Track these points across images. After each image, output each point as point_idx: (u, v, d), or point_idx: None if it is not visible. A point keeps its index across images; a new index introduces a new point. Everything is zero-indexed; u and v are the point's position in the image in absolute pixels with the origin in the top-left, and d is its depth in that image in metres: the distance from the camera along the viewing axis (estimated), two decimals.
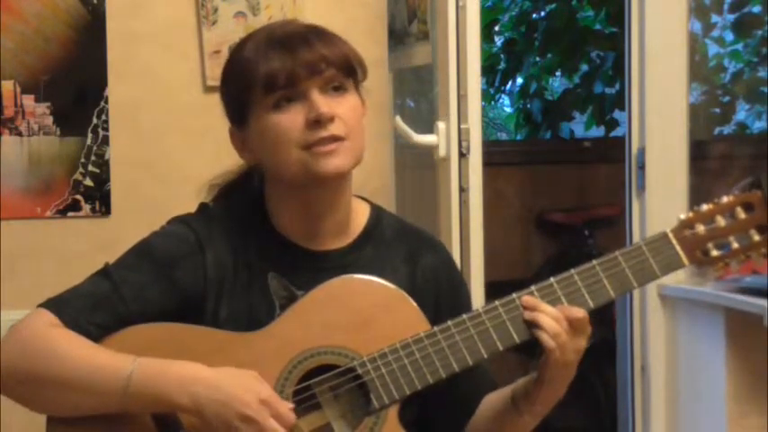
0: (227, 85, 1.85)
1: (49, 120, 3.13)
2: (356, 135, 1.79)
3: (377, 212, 1.91)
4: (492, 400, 1.89)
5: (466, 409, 1.90)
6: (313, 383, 1.75)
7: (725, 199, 1.81)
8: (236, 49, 1.85)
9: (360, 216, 1.89)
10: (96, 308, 1.75)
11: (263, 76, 1.76)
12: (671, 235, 1.79)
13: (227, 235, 1.83)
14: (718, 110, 4.74)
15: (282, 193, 1.83)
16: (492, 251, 3.10)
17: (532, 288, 1.77)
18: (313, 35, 1.80)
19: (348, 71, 1.81)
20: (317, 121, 1.75)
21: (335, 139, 1.76)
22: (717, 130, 4.73)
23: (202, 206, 1.89)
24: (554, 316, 1.74)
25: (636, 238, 3.34)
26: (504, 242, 4.88)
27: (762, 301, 2.89)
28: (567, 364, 1.77)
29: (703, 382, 3.23)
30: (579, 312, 1.75)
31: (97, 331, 1.74)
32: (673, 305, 3.34)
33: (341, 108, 1.78)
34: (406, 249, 1.89)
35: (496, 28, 6.38)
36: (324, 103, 1.76)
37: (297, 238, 1.84)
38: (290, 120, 1.76)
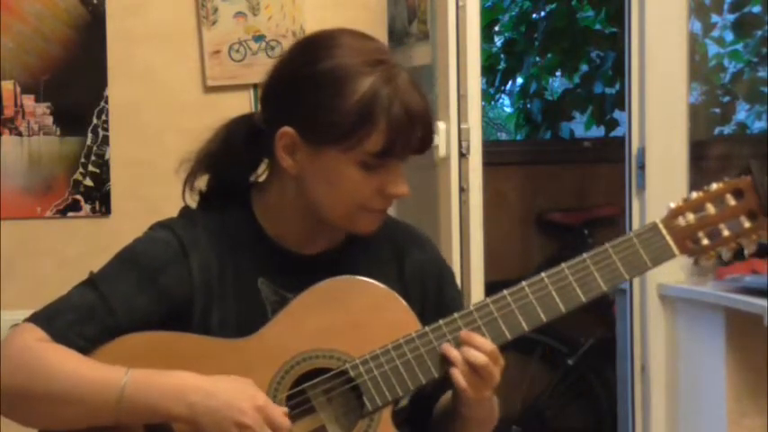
0: (319, 98, 1.73)
1: (49, 120, 3.13)
2: None
3: None
4: (442, 402, 1.89)
5: (429, 406, 1.90)
6: (306, 387, 1.75)
7: (714, 186, 1.80)
8: (353, 72, 1.72)
9: None
10: (84, 321, 1.73)
11: (383, 138, 1.71)
12: (661, 225, 1.78)
13: (213, 239, 1.80)
14: (718, 110, 4.73)
15: (292, 205, 1.80)
16: (492, 251, 3.11)
17: (523, 283, 1.76)
18: (431, 117, 1.78)
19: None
20: (392, 197, 1.76)
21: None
22: (717, 130, 4.72)
23: (185, 210, 1.87)
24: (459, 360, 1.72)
25: None
26: (504, 242, 4.88)
27: (762, 301, 2.89)
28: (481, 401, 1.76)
29: (703, 382, 3.23)
30: (480, 358, 1.71)
31: (86, 344, 1.72)
32: (673, 305, 3.34)
33: None
34: (393, 246, 1.88)
35: (496, 28, 6.37)
36: (404, 181, 1.76)
37: (288, 242, 1.82)
38: (368, 183, 1.74)
